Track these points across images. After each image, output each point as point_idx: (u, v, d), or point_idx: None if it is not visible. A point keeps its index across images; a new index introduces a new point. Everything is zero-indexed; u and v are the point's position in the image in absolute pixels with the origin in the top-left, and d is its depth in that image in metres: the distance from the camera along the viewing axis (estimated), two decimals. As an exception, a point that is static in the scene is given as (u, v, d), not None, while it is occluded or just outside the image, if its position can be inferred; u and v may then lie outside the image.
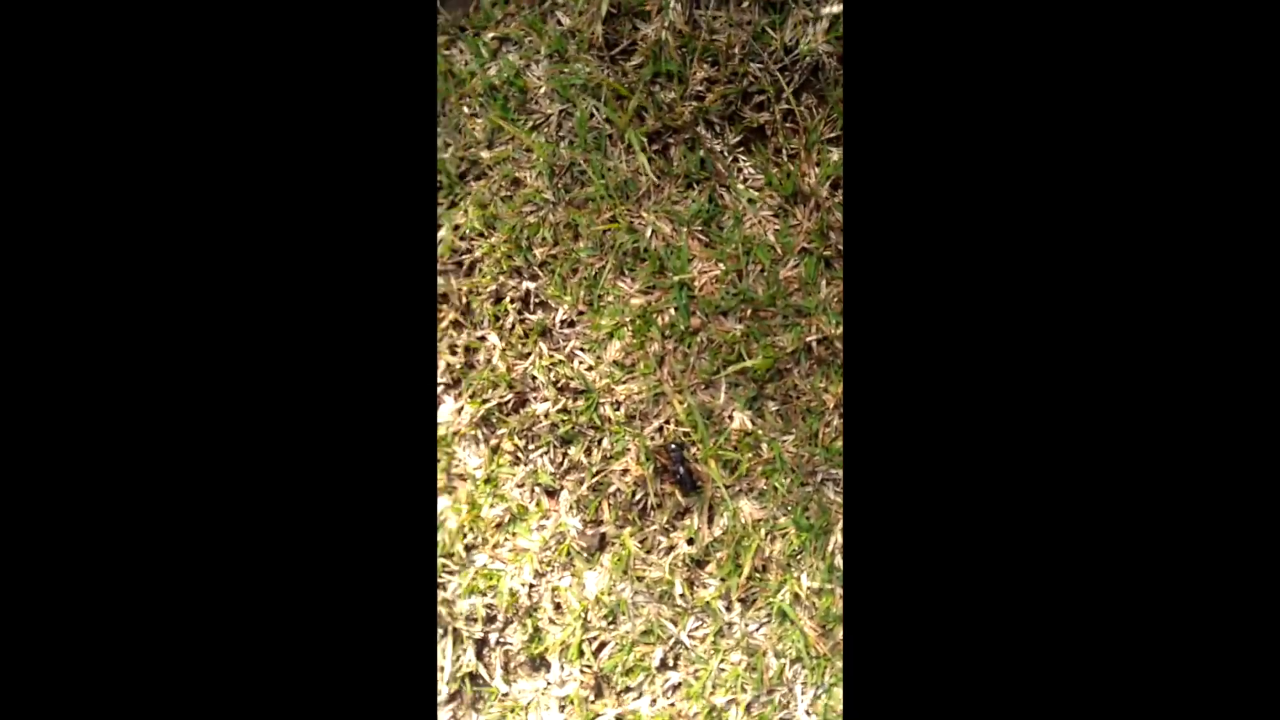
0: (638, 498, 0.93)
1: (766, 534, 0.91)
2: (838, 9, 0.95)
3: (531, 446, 0.95)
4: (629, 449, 0.93)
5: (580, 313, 0.99)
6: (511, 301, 1.01)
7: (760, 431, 0.91)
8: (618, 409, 0.95)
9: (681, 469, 0.90)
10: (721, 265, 0.96)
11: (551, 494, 0.96)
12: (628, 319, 0.97)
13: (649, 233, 0.99)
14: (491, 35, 1.09)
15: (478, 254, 1.03)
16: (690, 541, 0.90)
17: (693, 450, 0.93)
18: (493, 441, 0.99)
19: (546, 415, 0.97)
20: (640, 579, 0.91)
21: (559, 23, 1.08)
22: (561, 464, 0.97)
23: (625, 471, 0.93)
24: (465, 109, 1.07)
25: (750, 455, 0.91)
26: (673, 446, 0.90)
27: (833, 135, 0.95)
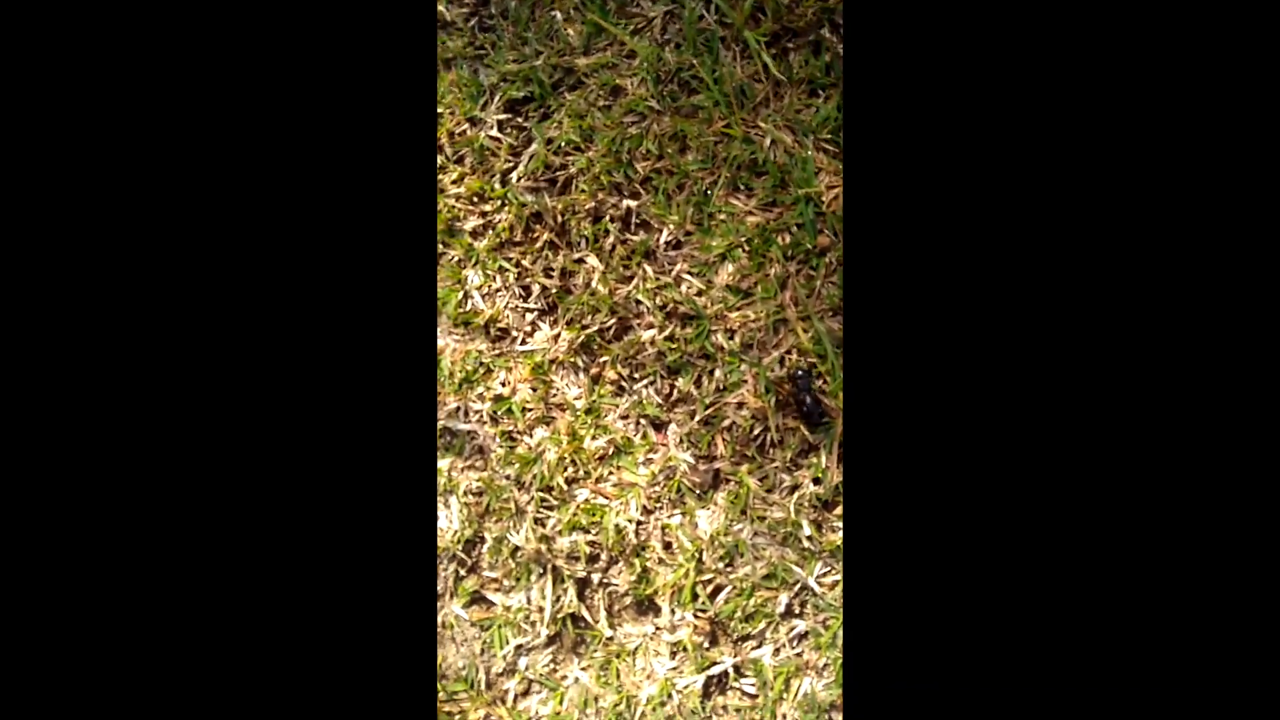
0: (756, 432, 0.85)
1: (904, 472, 0.83)
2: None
3: (636, 376, 0.88)
4: (745, 380, 0.86)
5: (688, 233, 0.91)
6: (612, 221, 0.94)
7: (898, 360, 0.83)
8: (732, 337, 0.88)
9: (808, 399, 0.82)
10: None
11: (659, 427, 0.88)
12: (743, 239, 0.89)
13: (768, 143, 0.91)
14: (591, -73, 1.00)
15: (573, 170, 0.95)
16: (817, 481, 0.83)
17: (820, 380, 0.85)
18: (593, 370, 0.92)
19: (652, 343, 0.89)
20: (761, 519, 0.83)
21: (667, -86, 0.99)
22: (670, 395, 0.90)
23: (741, 405, 0.86)
24: (559, 12, 0.99)
25: (885, 386, 0.83)
26: (799, 373, 0.83)
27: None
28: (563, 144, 0.96)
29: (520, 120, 0.98)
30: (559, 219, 0.95)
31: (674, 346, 0.90)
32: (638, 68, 0.95)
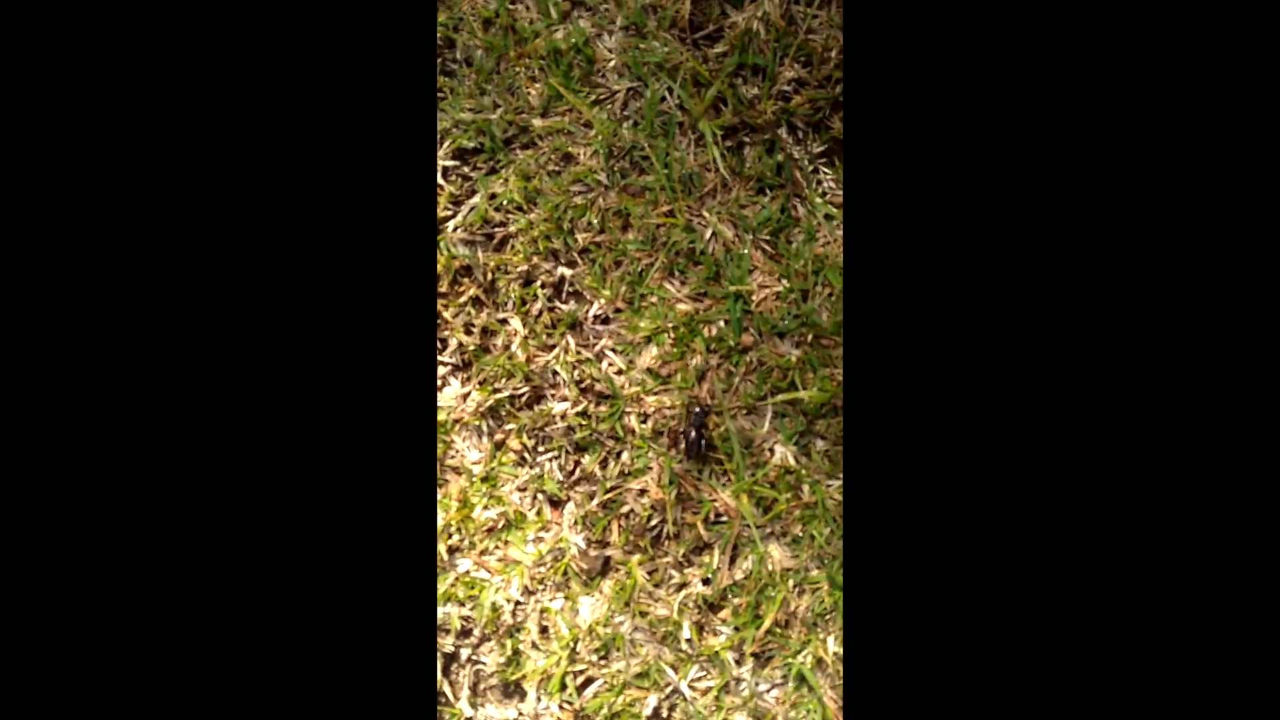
0: (653, 523, 0.85)
1: (795, 586, 0.84)
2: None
3: (541, 448, 0.88)
4: (651, 468, 0.86)
5: (618, 310, 0.93)
6: (543, 287, 0.95)
7: (804, 471, 0.84)
8: (644, 422, 0.88)
9: (694, 432, 0.85)
10: (785, 282, 0.90)
11: (556, 504, 0.88)
12: (670, 324, 0.90)
13: (708, 234, 0.93)
14: (566, -4, 1.03)
15: (513, 229, 0.96)
16: (706, 581, 0.83)
17: (714, 423, 0.86)
18: (498, 436, 0.91)
19: (563, 416, 0.89)
20: (643, 614, 0.83)
21: (642, -6, 1.02)
22: (572, 473, 0.89)
23: (643, 492, 0.86)
24: (523, 70, 1.01)
25: (788, 496, 0.84)
26: (697, 408, 0.85)
27: (930, 160, 0.90)
28: (505, 201, 0.97)
29: (466, 170, 0.99)
30: (489, 276, 0.96)
31: (585, 423, 0.90)
32: (592, 139, 0.98)
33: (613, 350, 0.92)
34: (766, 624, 0.84)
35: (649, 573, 0.87)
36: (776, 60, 0.97)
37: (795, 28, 0.96)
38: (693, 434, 0.87)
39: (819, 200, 0.92)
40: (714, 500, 0.85)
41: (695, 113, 0.96)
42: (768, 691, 0.84)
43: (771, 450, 0.88)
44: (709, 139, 0.94)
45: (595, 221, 0.95)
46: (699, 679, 0.84)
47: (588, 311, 0.94)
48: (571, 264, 0.96)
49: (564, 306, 0.94)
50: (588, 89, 1.00)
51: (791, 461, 0.87)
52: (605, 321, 0.94)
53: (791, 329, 0.90)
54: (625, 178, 0.97)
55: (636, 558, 0.87)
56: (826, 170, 0.94)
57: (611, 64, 1.01)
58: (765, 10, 0.98)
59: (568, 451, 0.90)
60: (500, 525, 0.89)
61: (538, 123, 1.00)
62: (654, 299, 0.92)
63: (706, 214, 0.94)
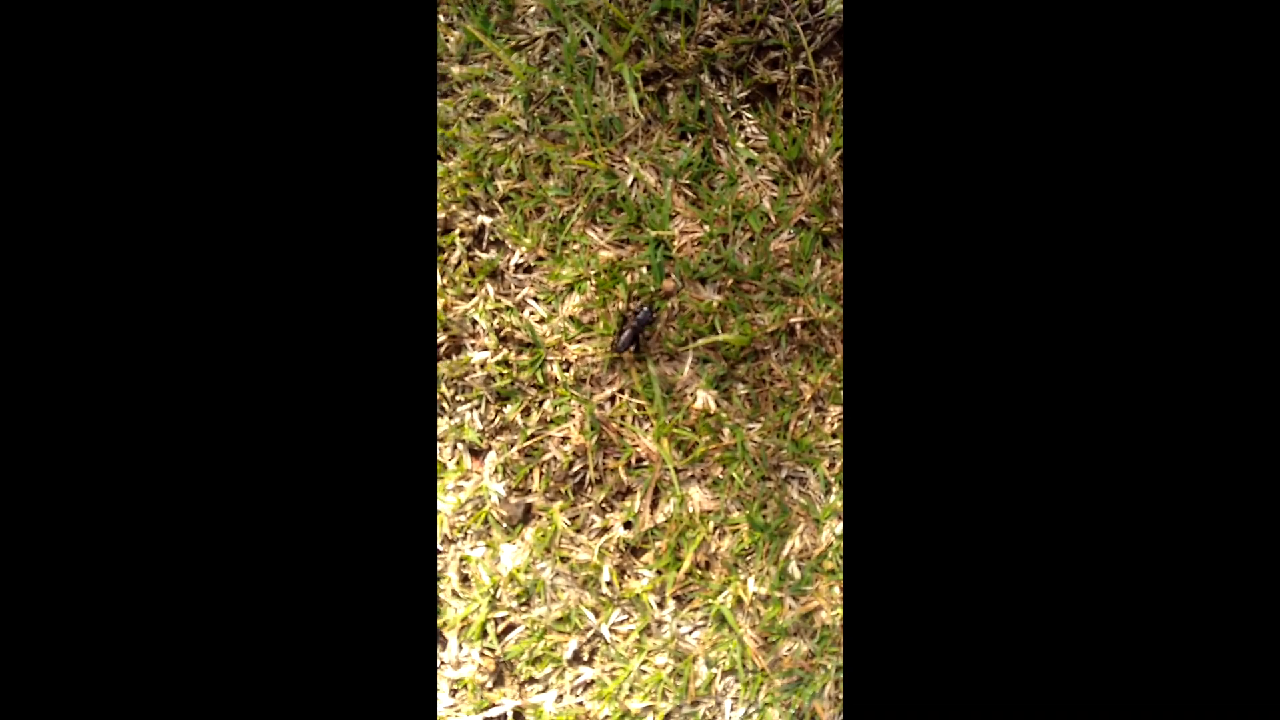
0: (575, 470, 0.88)
1: (715, 528, 0.87)
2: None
3: (460, 398, 0.90)
4: (573, 415, 0.89)
5: (540, 258, 0.95)
6: (461, 235, 0.96)
7: (724, 414, 0.87)
8: (566, 370, 0.91)
9: (632, 328, 0.88)
10: (706, 227, 0.93)
11: (476, 453, 0.90)
12: (592, 272, 0.92)
13: (630, 180, 0.95)
14: (485, -63, 1.04)
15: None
16: (628, 525, 0.86)
17: (660, 327, 0.90)
18: (418, 385, 0.93)
19: (483, 365, 0.91)
20: (565, 560, 0.86)
21: (563, -63, 1.04)
22: (493, 422, 0.92)
23: (565, 439, 0.89)
24: (440, 15, 1.02)
25: (709, 439, 0.87)
26: (644, 308, 0.89)
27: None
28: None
29: (381, 118, 1.00)
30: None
31: (505, 372, 0.92)
32: (512, 85, 0.99)
33: (534, 299, 0.94)
34: (686, 565, 0.87)
35: (570, 519, 0.89)
36: (699, 4, 0.99)
37: (717, -29, 0.98)
38: (631, 329, 0.89)
39: (741, 145, 0.95)
40: (635, 445, 0.88)
41: (615, 57, 0.98)
42: (689, 633, 0.87)
43: (693, 395, 0.91)
44: (629, 84, 0.96)
45: (515, 168, 0.97)
46: (620, 623, 0.87)
47: (508, 260, 0.96)
48: (491, 212, 0.98)
49: (484, 255, 0.96)
50: (506, 35, 1.01)
51: (712, 405, 0.90)
52: (527, 270, 0.96)
53: (713, 274, 0.93)
54: (545, 124, 0.99)
55: (558, 504, 0.90)
56: (749, 115, 0.97)
57: (531, 9, 1.02)
58: (687, -46, 1.00)
59: (488, 401, 0.92)
60: (419, 475, 0.91)
61: (456, 70, 1.01)
62: (576, 246, 0.95)
63: (628, 159, 0.96)
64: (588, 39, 1.01)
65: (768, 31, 0.99)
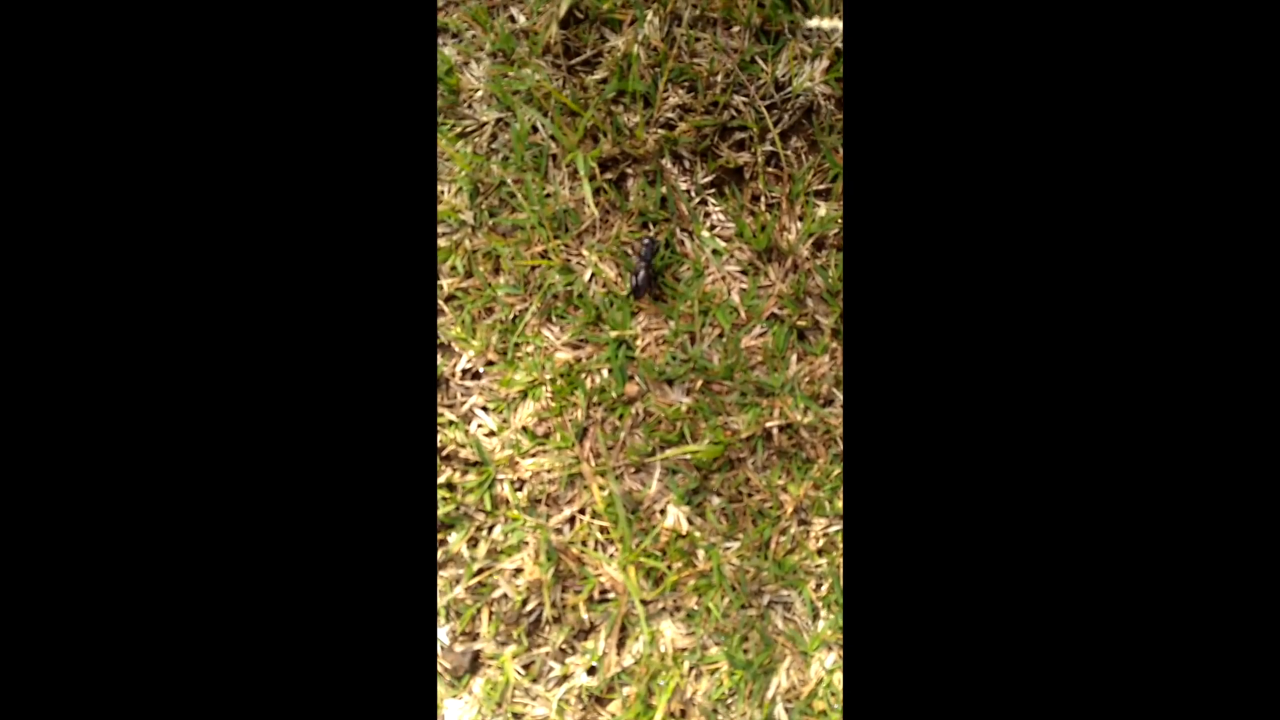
0: (529, 608, 0.79)
1: (690, 669, 0.78)
2: (836, 26, 0.89)
3: (400, 524, 0.81)
4: (527, 543, 0.80)
5: (489, 363, 0.88)
6: (403, 339, 0.89)
7: (698, 534, 0.79)
8: (519, 489, 0.83)
9: (643, 271, 0.86)
10: (672, 324, 0.86)
11: (418, 589, 0.81)
12: (548, 376, 0.85)
13: (588, 276, 0.89)
14: (426, 20, 1.00)
15: (369, 276, 0.91)
16: (591, 671, 0.77)
17: (657, 254, 0.88)
18: (351, 512, 0.85)
19: (426, 486, 0.83)
20: (518, 716, 0.76)
21: (511, 19, 1.00)
22: (436, 555, 0.83)
23: (518, 572, 0.80)
24: (381, 103, 0.97)
25: (681, 565, 0.79)
26: (647, 240, 0.87)
27: (823, 187, 0.88)
28: (360, 248, 0.91)
29: (313, 215, 0.94)
30: (340, 331, 0.90)
31: (449, 497, 0.84)
32: (457, 175, 0.94)
33: (483, 409, 0.87)
34: (660, 715, 0.77)
35: (524, 666, 0.80)
36: (658, 86, 0.94)
37: (678, 50, 0.94)
38: (642, 271, 0.86)
39: (706, 234, 0.90)
40: (598, 574, 0.80)
41: (569, 145, 0.93)
42: (665, 797, 0.78)
43: (662, 512, 0.83)
44: (584, 172, 0.91)
45: (461, 265, 0.91)
46: (584, 788, 0.78)
47: (454, 366, 0.89)
48: (437, 313, 0.91)
49: (426, 362, 0.89)
50: (451, 121, 0.96)
51: (684, 524, 0.82)
52: (475, 376, 0.89)
53: (680, 375, 0.86)
54: (494, 216, 0.93)
55: (510, 650, 0.81)
56: (715, 202, 0.91)
57: (478, 94, 0.98)
58: (645, 33, 0.96)
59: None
60: (350, 617, 0.82)
61: (396, 160, 0.96)
62: (529, 348, 0.88)
63: (585, 253, 0.90)
64: (539, 125, 0.96)
65: (732, 112, 0.94)
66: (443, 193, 0.96)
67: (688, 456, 0.84)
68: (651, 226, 0.93)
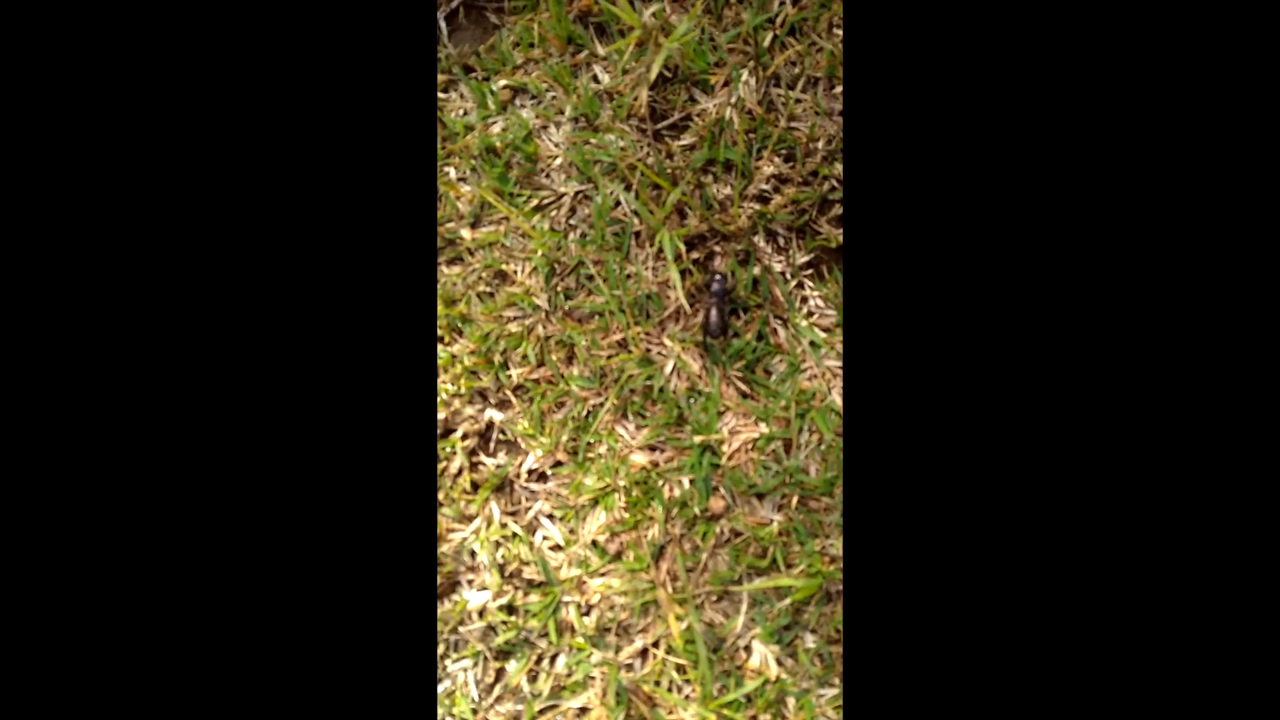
0: (596, 755, 0.70)
1: None
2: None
3: (453, 655, 0.74)
4: (593, 679, 0.71)
5: (558, 463, 0.79)
6: (465, 438, 0.82)
7: (787, 678, 0.69)
8: (586, 615, 0.74)
9: (714, 311, 0.80)
10: (764, 428, 0.76)
11: (471, 727, 0.74)
12: (622, 482, 0.77)
13: (669, 368, 0.80)
14: (505, 83, 0.93)
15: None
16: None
17: (729, 294, 0.81)
18: (402, 633, 0.77)
19: (482, 611, 0.75)
20: None
21: (595, 79, 0.93)
22: (492, 687, 0.75)
23: (584, 712, 0.71)
24: (452, 170, 0.91)
25: (769, 715, 0.69)
26: (718, 277, 0.80)
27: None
28: (425, 332, 0.85)
29: (376, 297, 0.87)
30: (399, 426, 0.83)
31: (510, 621, 0.76)
32: (531, 253, 0.86)
33: (548, 517, 0.79)
34: None
35: (587, 826, 0.71)
36: (753, 154, 0.85)
37: (775, 115, 0.85)
38: (713, 312, 0.80)
39: (804, 323, 0.80)
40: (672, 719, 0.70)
41: (653, 222, 0.84)
42: None
43: (747, 650, 0.73)
44: (669, 252, 0.82)
45: (533, 354, 0.83)
46: None
47: (521, 465, 0.81)
48: (503, 404, 0.84)
49: (490, 462, 0.81)
50: (528, 193, 0.89)
51: (772, 666, 0.71)
52: (541, 478, 0.81)
53: (772, 489, 0.76)
54: (569, 300, 0.86)
55: (572, 804, 0.72)
56: (812, 286, 0.81)
57: (556, 162, 0.90)
58: (739, 95, 0.88)
59: (486, 658, 0.76)
60: (395, 758, 0.74)
61: (466, 234, 0.90)
62: (603, 449, 0.79)
63: (667, 343, 0.82)
64: (621, 199, 0.88)
65: (833, 183, 0.84)
66: (515, 272, 0.89)
67: (779, 587, 0.74)
68: (743, 314, 0.84)
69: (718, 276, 0.82)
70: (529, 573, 0.78)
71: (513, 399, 0.85)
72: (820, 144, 0.85)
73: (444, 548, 0.80)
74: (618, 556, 0.78)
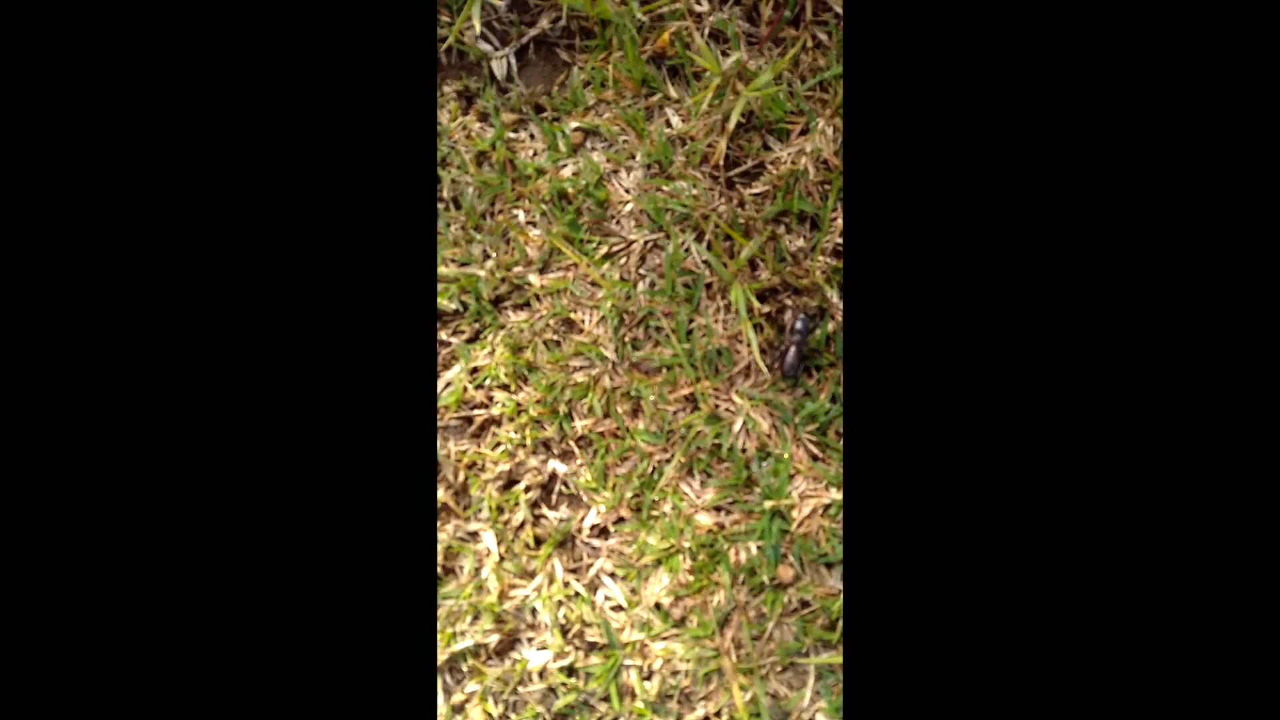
0: (655, 828, 0.69)
1: None
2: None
3: (513, 717, 0.72)
4: (654, 745, 0.70)
5: (620, 519, 0.78)
6: (528, 490, 0.81)
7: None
8: (647, 680, 0.72)
9: (792, 350, 0.79)
10: (835, 494, 0.74)
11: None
12: (687, 543, 0.75)
13: (738, 426, 0.78)
14: (576, 125, 0.93)
15: (496, 412, 0.83)
16: None
17: (814, 332, 0.80)
18: (456, 698, 0.76)
19: (543, 673, 0.74)
20: None
21: (668, 124, 0.91)
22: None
23: (643, 780, 0.70)
24: (521, 214, 0.90)
25: (836, 800, 0.67)
26: (802, 316, 0.79)
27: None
28: (489, 378, 0.84)
29: (443, 335, 0.87)
30: (459, 475, 0.83)
31: (570, 683, 0.75)
32: (600, 302, 0.85)
33: (610, 576, 0.77)
34: None
35: None
36: (829, 206, 0.84)
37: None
38: (791, 351, 0.80)
39: (881, 388, 0.77)
40: (735, 804, 0.68)
41: (725, 275, 0.83)
42: None
43: (814, 728, 0.71)
44: (741, 305, 0.80)
45: (598, 405, 0.82)
46: None
47: (583, 519, 0.80)
48: (566, 456, 0.83)
49: (553, 515, 0.80)
50: (597, 239, 0.88)
51: (842, 749, 0.69)
52: (603, 534, 0.80)
53: (842, 559, 0.74)
54: (637, 351, 0.84)
55: None
56: (891, 349, 0.79)
57: (628, 209, 0.89)
58: (816, 145, 0.86)
59: None
60: (450, 822, 0.74)
61: (535, 280, 0.89)
62: (668, 507, 0.78)
63: (737, 399, 0.80)
64: (693, 249, 0.87)
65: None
66: (583, 321, 0.88)
67: (849, 662, 0.71)
68: (815, 373, 0.82)
69: (802, 315, 0.80)
70: (591, 634, 0.77)
71: (576, 451, 0.84)
72: (900, 199, 0.83)
73: (506, 605, 0.79)
74: (682, 621, 0.77)
